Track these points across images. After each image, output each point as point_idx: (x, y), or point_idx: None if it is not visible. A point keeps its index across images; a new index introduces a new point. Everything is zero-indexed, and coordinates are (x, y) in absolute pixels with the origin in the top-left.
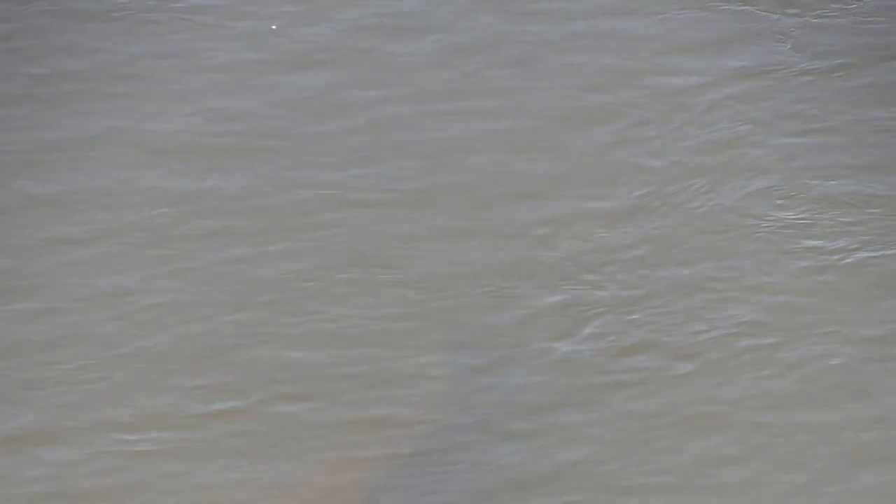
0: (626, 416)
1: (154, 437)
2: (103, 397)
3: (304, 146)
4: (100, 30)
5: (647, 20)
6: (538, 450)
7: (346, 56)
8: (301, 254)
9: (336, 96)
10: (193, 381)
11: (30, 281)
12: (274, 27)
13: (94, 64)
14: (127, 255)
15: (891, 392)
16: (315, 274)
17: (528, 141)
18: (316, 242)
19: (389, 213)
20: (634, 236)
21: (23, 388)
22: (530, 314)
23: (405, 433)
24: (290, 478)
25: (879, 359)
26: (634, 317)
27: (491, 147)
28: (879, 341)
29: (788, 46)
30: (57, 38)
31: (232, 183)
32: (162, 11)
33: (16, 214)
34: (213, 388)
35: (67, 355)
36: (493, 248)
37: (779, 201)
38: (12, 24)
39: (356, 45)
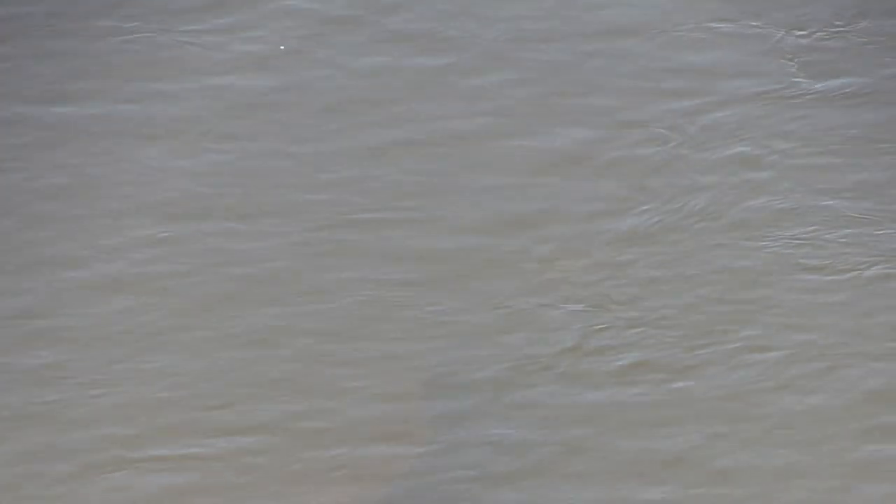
0: (629, 431)
1: (159, 456)
2: (110, 419)
3: (310, 163)
4: (103, 55)
5: (653, 38)
6: (539, 464)
7: (353, 75)
8: (306, 271)
9: (340, 114)
10: (202, 403)
11: (35, 295)
12: (282, 48)
13: (97, 87)
14: (133, 271)
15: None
16: (319, 289)
17: (529, 158)
18: (322, 259)
19: (392, 228)
20: (636, 253)
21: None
22: (532, 330)
23: (409, 451)
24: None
25: (883, 376)
26: (636, 332)
27: (491, 164)
28: (884, 359)
29: (795, 67)
30: (61, 66)
31: (240, 198)
32: (169, 35)
33: (22, 228)
34: (222, 410)
35: (72, 372)
36: (494, 265)
37: (783, 220)
38: (16, 46)
39: (362, 66)
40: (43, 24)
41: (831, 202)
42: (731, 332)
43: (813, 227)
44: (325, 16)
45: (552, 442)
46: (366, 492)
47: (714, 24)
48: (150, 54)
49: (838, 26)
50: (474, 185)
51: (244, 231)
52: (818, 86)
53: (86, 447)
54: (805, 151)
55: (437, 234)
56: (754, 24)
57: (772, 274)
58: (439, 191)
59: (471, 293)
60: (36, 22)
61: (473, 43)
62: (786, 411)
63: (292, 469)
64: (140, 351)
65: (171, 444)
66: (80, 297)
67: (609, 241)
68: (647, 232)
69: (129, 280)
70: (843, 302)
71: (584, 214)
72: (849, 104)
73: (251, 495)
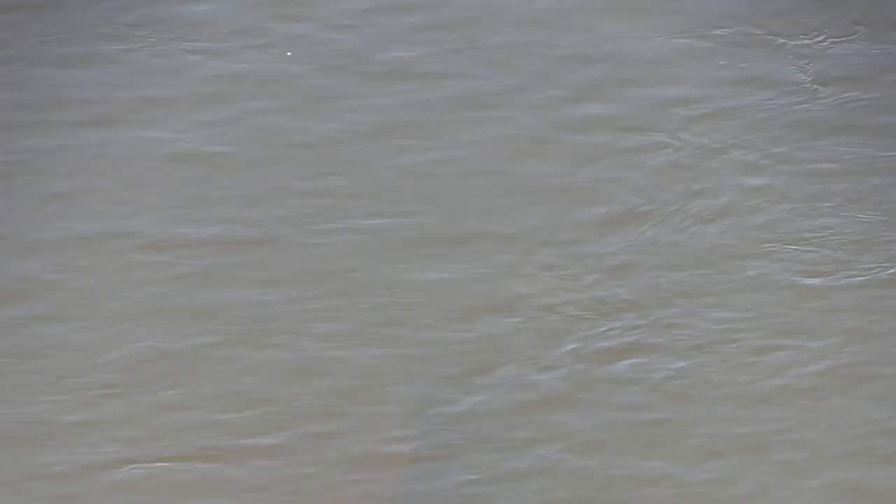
0: (612, 422)
1: (165, 468)
2: (110, 427)
3: (308, 163)
4: (105, 69)
5: (661, 44)
6: (525, 453)
7: (362, 93)
8: (290, 282)
9: (345, 133)
10: (211, 409)
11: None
12: (289, 54)
13: (99, 97)
14: (136, 269)
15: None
16: (299, 301)
17: (514, 151)
18: (302, 266)
19: (379, 233)
20: (633, 255)
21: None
22: (531, 333)
23: (417, 458)
24: None
25: (863, 375)
26: (634, 334)
27: (487, 167)
28: (862, 355)
29: (801, 73)
30: (62, 73)
31: (244, 196)
32: (172, 49)
33: (25, 230)
34: (231, 417)
35: (75, 371)
36: (489, 267)
37: (785, 224)
38: (17, 52)
39: (372, 85)
40: (44, 30)
41: (835, 207)
42: (730, 333)
43: (815, 232)
44: (328, 30)
45: (531, 436)
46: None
47: (718, 31)
48: (153, 62)
49: (844, 32)
50: (467, 187)
51: (248, 229)
52: (824, 91)
53: (90, 450)
54: (808, 156)
55: (429, 236)
56: (760, 30)
57: (772, 277)
58: (431, 192)
59: (464, 295)
60: (37, 28)
61: (470, 50)
62: (782, 412)
63: (301, 477)
64: (145, 354)
65: (179, 454)
66: (82, 294)
67: (606, 243)
68: (645, 235)
69: (131, 278)
70: (843, 306)
71: (582, 217)
72: (854, 108)
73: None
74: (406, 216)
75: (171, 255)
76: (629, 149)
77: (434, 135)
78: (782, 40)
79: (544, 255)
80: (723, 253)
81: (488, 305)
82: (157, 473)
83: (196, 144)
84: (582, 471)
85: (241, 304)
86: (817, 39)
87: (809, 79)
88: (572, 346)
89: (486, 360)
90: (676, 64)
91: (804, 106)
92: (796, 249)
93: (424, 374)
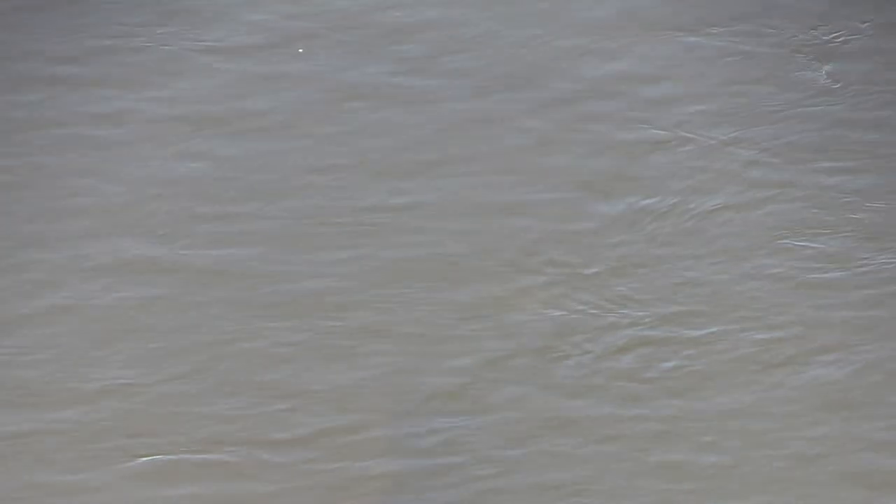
0: (619, 416)
1: (178, 461)
2: (113, 429)
3: (304, 168)
4: (109, 67)
5: (670, 41)
6: (531, 454)
7: (379, 93)
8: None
9: (353, 135)
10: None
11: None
12: (301, 50)
13: (100, 96)
14: (124, 273)
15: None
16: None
17: (519, 147)
18: (313, 256)
19: (382, 220)
20: (625, 240)
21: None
22: (517, 319)
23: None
24: None
25: (873, 379)
26: (622, 321)
27: (479, 151)
28: (875, 361)
29: (817, 69)
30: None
31: (248, 198)
32: (179, 42)
33: (22, 218)
34: (240, 420)
35: (76, 364)
36: (471, 261)
37: (787, 219)
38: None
39: (387, 84)
40: (46, 28)
41: (843, 201)
42: (736, 325)
43: (824, 225)
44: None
45: (555, 437)
46: None
47: (728, 27)
48: (160, 59)
49: (854, 27)
50: (471, 182)
51: (259, 227)
52: (833, 86)
53: (101, 442)
54: (817, 151)
55: (416, 229)
56: (769, 26)
57: (779, 270)
58: (417, 183)
59: (443, 291)
60: (40, 26)
61: (460, 45)
62: (788, 403)
63: (307, 483)
64: (152, 359)
65: (187, 452)
66: (83, 296)
67: (611, 237)
68: (650, 228)
69: (134, 281)
70: (851, 299)
71: (586, 210)
72: (863, 103)
73: None
74: (406, 204)
75: (183, 257)
76: (635, 144)
77: (417, 126)
78: (792, 36)
79: (527, 242)
80: (730, 245)
81: (492, 299)
82: (167, 467)
83: (204, 143)
84: (587, 464)
85: (251, 305)
86: (827, 35)
87: (819, 74)
88: (577, 339)
89: (494, 354)
90: (684, 60)
91: (813, 101)
92: (804, 243)
93: (428, 372)
